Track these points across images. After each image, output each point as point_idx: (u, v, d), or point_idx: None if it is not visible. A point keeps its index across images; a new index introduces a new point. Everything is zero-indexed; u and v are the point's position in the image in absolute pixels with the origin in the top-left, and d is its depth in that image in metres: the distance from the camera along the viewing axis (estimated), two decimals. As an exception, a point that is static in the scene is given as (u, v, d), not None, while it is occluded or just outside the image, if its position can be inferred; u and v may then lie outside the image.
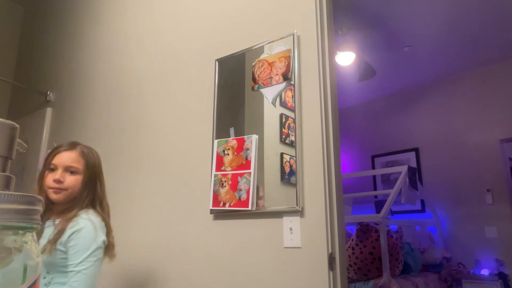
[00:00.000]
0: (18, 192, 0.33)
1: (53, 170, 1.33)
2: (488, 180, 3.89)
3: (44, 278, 1.23)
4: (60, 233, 1.23)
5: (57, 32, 2.81)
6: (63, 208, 1.33)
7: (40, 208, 0.35)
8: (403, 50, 3.72)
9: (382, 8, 3.02)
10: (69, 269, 1.20)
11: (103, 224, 1.32)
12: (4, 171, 0.37)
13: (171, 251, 1.69)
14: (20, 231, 0.33)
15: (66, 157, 1.33)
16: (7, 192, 0.33)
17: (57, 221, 1.29)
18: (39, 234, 1.27)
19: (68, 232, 1.24)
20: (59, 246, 1.22)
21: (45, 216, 1.31)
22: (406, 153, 4.57)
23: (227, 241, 1.51)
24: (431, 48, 3.68)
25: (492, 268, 3.67)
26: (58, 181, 1.30)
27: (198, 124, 1.75)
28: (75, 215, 1.28)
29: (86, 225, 1.26)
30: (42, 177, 1.34)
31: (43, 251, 1.20)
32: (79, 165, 1.34)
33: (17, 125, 0.39)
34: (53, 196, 1.31)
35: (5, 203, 0.31)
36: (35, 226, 0.34)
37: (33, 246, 0.35)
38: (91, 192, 1.36)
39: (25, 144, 0.44)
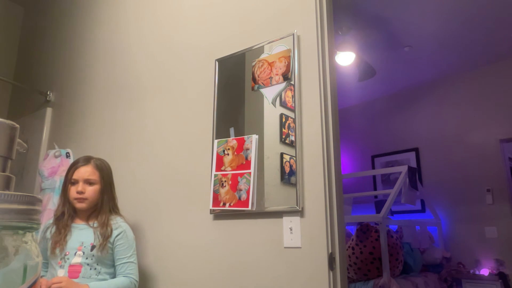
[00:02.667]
0: (18, 192, 0.33)
1: (74, 183, 1.58)
2: (488, 180, 3.88)
3: (95, 269, 1.50)
4: (108, 234, 1.54)
5: (57, 32, 2.81)
6: (88, 213, 1.60)
7: (40, 208, 0.35)
8: (403, 50, 3.72)
9: (382, 8, 3.02)
10: (122, 261, 1.53)
11: None
12: (4, 171, 0.37)
13: (171, 251, 1.69)
14: (20, 231, 0.33)
15: (83, 171, 1.59)
16: (7, 192, 0.33)
17: (95, 224, 1.56)
18: (68, 234, 1.54)
19: (114, 233, 1.55)
20: (108, 244, 1.52)
21: (69, 220, 1.58)
22: (406, 153, 4.57)
23: (227, 241, 1.51)
24: (431, 48, 3.68)
25: (492, 268, 3.67)
26: (80, 192, 1.56)
27: (198, 124, 1.75)
28: (109, 219, 1.57)
29: (127, 227, 1.60)
30: (65, 191, 1.60)
31: (97, 248, 1.50)
32: (95, 176, 1.60)
33: (17, 125, 0.39)
34: (78, 205, 1.57)
35: (5, 203, 0.31)
36: (35, 226, 0.34)
37: (33, 246, 0.35)
38: (110, 197, 1.64)
39: (25, 144, 0.44)
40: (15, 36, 3.20)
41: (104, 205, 1.60)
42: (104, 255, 1.51)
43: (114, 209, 1.65)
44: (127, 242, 1.56)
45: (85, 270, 1.48)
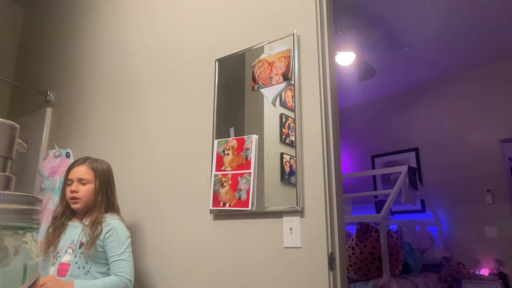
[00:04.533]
0: (18, 192, 0.33)
1: (69, 183, 1.60)
2: (488, 180, 3.88)
3: (84, 267, 1.49)
4: (98, 232, 1.51)
5: (57, 32, 2.81)
6: (84, 212, 1.61)
7: (40, 208, 0.35)
8: (403, 50, 3.72)
9: (382, 8, 3.02)
10: (113, 259, 1.49)
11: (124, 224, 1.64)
12: (4, 171, 0.37)
13: (171, 251, 1.69)
14: (20, 231, 0.33)
15: (77, 171, 1.60)
16: (7, 192, 0.33)
17: (86, 222, 1.56)
18: (63, 233, 1.57)
19: (104, 230, 1.52)
20: (98, 242, 1.50)
21: (66, 220, 1.61)
22: (406, 153, 4.57)
23: (227, 241, 1.51)
24: (431, 48, 3.68)
25: (492, 268, 3.67)
26: (74, 192, 1.57)
27: (198, 124, 1.75)
28: (100, 218, 1.55)
29: (118, 224, 1.57)
30: (63, 191, 1.63)
31: (85, 246, 1.49)
32: (89, 176, 1.60)
33: (17, 125, 0.39)
34: (73, 206, 1.59)
35: (5, 203, 0.31)
36: (35, 226, 0.34)
37: (33, 246, 0.35)
38: (104, 197, 1.62)
39: (25, 144, 0.44)
40: (15, 36, 3.20)
41: (97, 204, 1.59)
42: (92, 253, 1.48)
43: (110, 208, 1.64)
44: (117, 239, 1.53)
45: (73, 268, 1.48)
